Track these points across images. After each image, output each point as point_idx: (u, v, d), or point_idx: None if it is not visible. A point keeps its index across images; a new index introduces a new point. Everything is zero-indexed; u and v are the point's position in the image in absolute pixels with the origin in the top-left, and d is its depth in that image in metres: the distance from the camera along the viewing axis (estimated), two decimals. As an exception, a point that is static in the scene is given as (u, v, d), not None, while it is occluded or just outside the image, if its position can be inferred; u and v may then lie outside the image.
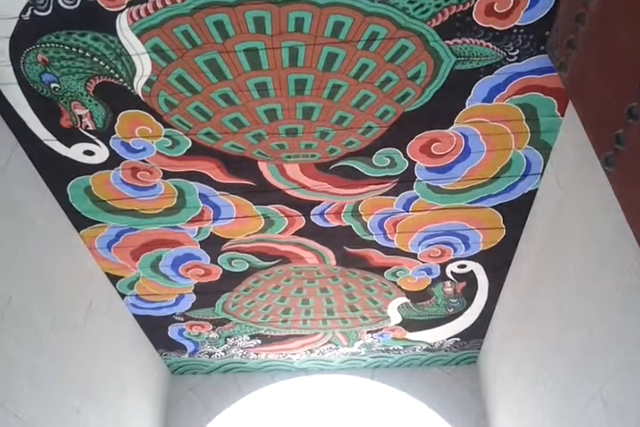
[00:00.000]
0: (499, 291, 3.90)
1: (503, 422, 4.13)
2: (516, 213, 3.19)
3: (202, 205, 3.11)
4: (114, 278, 3.71)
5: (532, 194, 3.07)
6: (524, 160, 2.87)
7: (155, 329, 4.31)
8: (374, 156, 2.83)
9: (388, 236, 3.37)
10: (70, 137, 2.73)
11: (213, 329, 4.34)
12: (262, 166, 2.89)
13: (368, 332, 4.45)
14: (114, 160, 2.85)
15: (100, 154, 2.82)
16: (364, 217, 3.23)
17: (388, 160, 2.85)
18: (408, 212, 3.18)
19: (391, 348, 4.68)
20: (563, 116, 2.62)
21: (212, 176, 2.93)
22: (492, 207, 3.15)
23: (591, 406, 2.52)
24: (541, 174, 2.95)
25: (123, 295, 3.89)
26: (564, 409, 2.87)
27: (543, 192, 2.99)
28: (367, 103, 2.56)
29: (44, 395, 2.94)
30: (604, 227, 2.31)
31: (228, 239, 3.38)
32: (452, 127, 2.69)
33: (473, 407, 4.70)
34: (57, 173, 2.92)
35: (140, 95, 2.52)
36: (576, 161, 2.55)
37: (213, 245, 3.41)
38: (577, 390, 2.69)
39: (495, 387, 4.32)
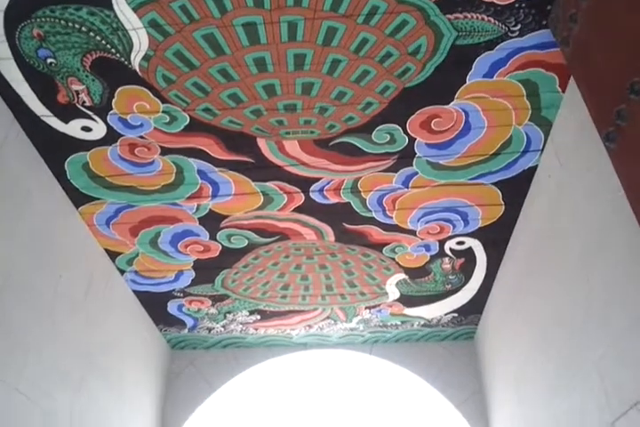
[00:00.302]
0: (497, 267, 3.92)
1: (500, 396, 4.18)
2: (515, 189, 3.18)
3: (200, 181, 3.10)
4: (113, 255, 3.72)
5: (532, 170, 3.06)
6: (525, 136, 2.86)
7: (154, 305, 4.34)
8: (374, 132, 2.81)
9: (387, 212, 3.37)
10: (67, 113, 2.71)
11: (213, 305, 4.37)
12: (261, 143, 2.87)
13: (366, 307, 4.47)
14: (111, 136, 2.83)
15: (98, 130, 2.80)
16: (363, 194, 3.22)
17: (388, 136, 2.83)
18: (407, 188, 3.17)
19: (389, 323, 4.71)
20: (564, 92, 2.60)
21: (210, 152, 2.92)
22: (492, 184, 3.15)
23: (589, 379, 2.55)
24: (541, 151, 2.93)
25: (122, 271, 3.90)
26: (561, 383, 2.91)
27: (543, 169, 2.98)
28: (367, 78, 2.53)
29: (45, 370, 2.96)
30: (603, 203, 2.31)
31: (226, 216, 3.38)
32: (452, 103, 2.66)
33: (470, 382, 4.76)
34: (54, 149, 2.91)
35: (138, 70, 2.49)
36: (577, 137, 2.54)
37: (212, 221, 3.41)
38: (574, 364, 2.71)
39: (492, 361, 4.37)
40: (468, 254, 3.78)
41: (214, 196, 3.20)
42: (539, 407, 3.25)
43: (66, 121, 2.75)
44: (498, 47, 2.41)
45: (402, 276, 4.03)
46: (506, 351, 3.97)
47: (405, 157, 2.96)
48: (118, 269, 3.86)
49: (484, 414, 4.57)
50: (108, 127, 2.78)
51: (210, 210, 3.31)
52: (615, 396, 2.31)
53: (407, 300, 4.34)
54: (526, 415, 3.50)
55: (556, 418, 2.98)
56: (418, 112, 2.71)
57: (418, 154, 2.94)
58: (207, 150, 2.90)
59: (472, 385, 4.74)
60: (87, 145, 2.89)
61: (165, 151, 2.92)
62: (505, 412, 4.04)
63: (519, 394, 3.64)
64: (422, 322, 4.69)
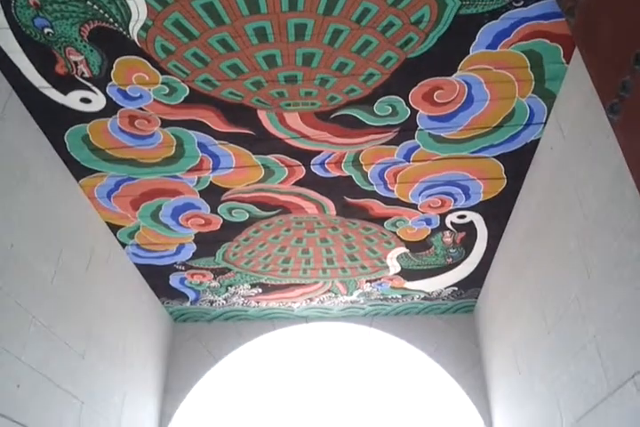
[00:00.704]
0: (498, 241, 3.92)
1: (499, 368, 4.23)
2: (517, 163, 3.16)
3: (201, 154, 3.08)
4: (114, 228, 3.72)
5: (535, 144, 3.04)
6: (528, 109, 2.83)
7: (156, 278, 4.36)
8: (376, 104, 2.78)
9: (389, 186, 3.36)
10: (66, 84, 2.68)
11: (214, 278, 4.39)
12: (261, 115, 2.84)
13: (367, 281, 4.50)
14: (111, 108, 2.80)
15: (97, 101, 2.78)
16: (364, 167, 3.20)
17: (390, 108, 2.80)
18: (409, 162, 3.16)
19: (389, 296, 4.74)
20: (568, 63, 2.56)
21: (210, 125, 2.90)
22: (494, 157, 3.13)
23: (587, 351, 2.57)
24: (544, 124, 2.91)
25: (124, 245, 3.91)
26: (559, 355, 2.93)
27: (546, 142, 2.96)
28: (369, 49, 2.49)
29: (48, 341, 2.99)
30: (605, 177, 2.30)
31: (227, 189, 3.37)
32: (455, 74, 2.63)
33: (468, 354, 4.81)
34: (54, 121, 2.88)
35: (136, 41, 2.46)
36: (580, 110, 2.52)
37: (213, 194, 3.41)
38: (573, 336, 2.73)
39: (491, 334, 4.41)
40: (469, 228, 3.78)
41: (215, 169, 3.19)
42: (537, 379, 3.29)
43: (65, 92, 2.72)
44: (502, 17, 2.37)
45: (403, 249, 4.03)
46: (505, 324, 4.00)
47: (407, 129, 2.93)
48: (120, 242, 3.87)
49: (482, 386, 4.63)
50: (108, 99, 2.76)
51: (210, 183, 3.30)
52: (613, 368, 2.33)
53: (408, 273, 4.36)
54: (525, 387, 3.55)
55: (554, 389, 3.01)
56: (420, 84, 2.68)
57: (420, 126, 2.92)
58: (207, 122, 2.88)
59: (471, 358, 4.78)
60: (87, 117, 2.86)
61: (165, 123, 2.90)
62: (503, 383, 4.09)
63: (518, 366, 3.68)
64: (422, 295, 4.72)
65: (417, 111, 2.83)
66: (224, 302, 4.79)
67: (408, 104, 2.78)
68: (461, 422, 5.10)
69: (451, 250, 4.04)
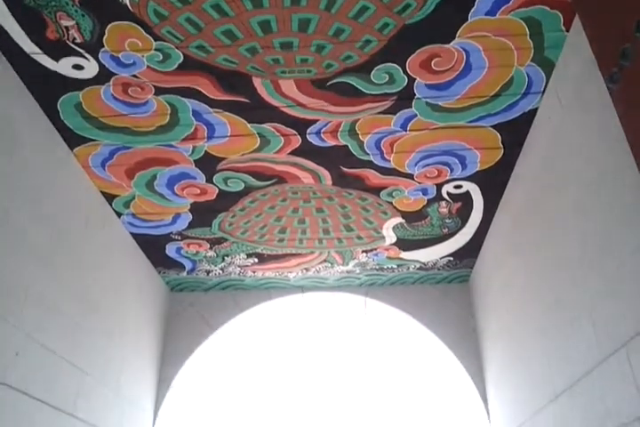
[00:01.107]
0: (494, 211, 3.92)
1: (493, 337, 4.28)
2: (515, 132, 3.14)
3: (195, 122, 3.05)
4: (109, 197, 3.71)
5: (533, 113, 3.01)
6: (526, 78, 2.79)
7: (152, 247, 4.37)
8: (373, 72, 2.74)
9: (385, 156, 3.34)
10: (57, 50, 2.63)
11: (210, 248, 4.39)
12: (257, 82, 2.80)
13: (363, 251, 4.51)
14: (104, 75, 2.76)
15: (90, 68, 2.73)
16: (360, 136, 3.18)
17: (387, 76, 2.77)
18: (406, 131, 3.13)
19: (385, 267, 4.76)
20: (568, 31, 2.52)
21: (205, 92, 2.86)
22: (491, 127, 3.10)
23: (581, 319, 2.59)
24: (543, 93, 2.88)
25: (119, 214, 3.90)
26: (552, 323, 2.96)
27: (544, 111, 2.94)
28: (366, 15, 2.44)
29: (45, 310, 3.00)
30: (603, 147, 2.28)
31: (222, 158, 3.34)
32: (453, 42, 2.59)
33: (463, 323, 4.85)
34: (46, 88, 2.84)
35: (129, 5, 2.40)
36: (579, 79, 2.49)
37: (208, 164, 3.38)
38: (567, 305, 2.76)
39: (486, 303, 4.44)
40: (465, 198, 3.77)
41: (210, 137, 3.16)
42: (531, 347, 3.32)
43: (56, 59, 2.67)
44: (502, -18, 2.32)
45: (399, 220, 4.03)
46: (500, 293, 4.03)
47: (404, 98, 2.90)
48: (115, 211, 3.86)
49: (477, 354, 4.68)
50: (100, 66, 2.71)
51: (205, 152, 3.28)
52: (606, 335, 2.35)
53: (403, 244, 4.37)
54: (518, 355, 3.59)
55: (547, 357, 3.05)
56: (418, 51, 2.64)
57: (417, 95, 2.88)
58: (202, 90, 2.84)
59: (466, 327, 4.83)
60: (79, 84, 2.82)
61: (159, 91, 2.86)
62: (497, 352, 4.14)
63: (512, 334, 3.72)
64: (418, 265, 4.74)
65: (414, 79, 2.79)
66: (220, 271, 4.80)
67: (405, 72, 2.74)
68: (455, 391, 5.18)
69: (446, 220, 4.04)
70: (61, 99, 2.90)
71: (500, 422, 4.12)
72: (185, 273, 4.82)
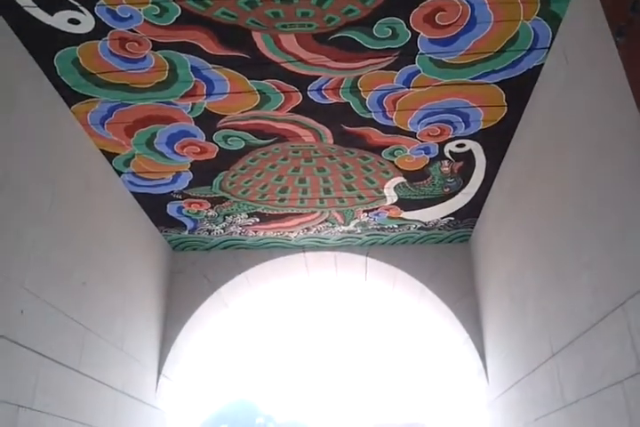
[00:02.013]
0: (496, 171, 3.90)
1: (492, 296, 4.31)
2: (519, 89, 3.09)
3: (194, 78, 3.00)
4: (109, 156, 3.68)
5: (538, 70, 2.95)
6: (532, 33, 2.73)
7: (153, 206, 4.36)
8: (375, 26, 2.67)
9: (388, 113, 3.29)
10: (52, 3, 2.56)
11: (212, 207, 4.39)
12: (256, 37, 2.74)
13: (364, 211, 4.50)
14: (100, 29, 2.70)
15: (86, 22, 2.67)
16: (362, 93, 3.13)
17: (390, 31, 2.70)
18: (409, 88, 3.08)
19: (386, 226, 4.77)
20: (576, -18, 2.45)
21: (203, 47, 2.80)
22: (495, 83, 3.05)
23: (580, 279, 2.60)
24: (548, 49, 2.82)
25: (119, 173, 3.88)
26: (552, 282, 2.98)
27: (549, 67, 2.88)
28: (368, -34, 2.37)
29: (49, 269, 3.02)
30: (609, 104, 2.25)
31: (222, 116, 3.30)
32: (458, -6, 2.52)
33: (463, 283, 4.89)
34: (42, 43, 2.78)
35: (124, -45, 2.33)
36: (586, 34, 2.43)
37: (208, 121, 3.34)
38: (567, 265, 2.77)
39: (486, 263, 4.46)
40: (468, 157, 3.74)
41: (209, 94, 3.11)
42: (529, 306, 3.35)
43: (51, 12, 2.61)
44: None
45: (400, 179, 4.02)
46: (500, 253, 4.04)
47: (407, 53, 2.84)
48: (115, 170, 3.84)
49: (476, 313, 4.74)
50: (97, 19, 2.65)
51: (205, 109, 3.24)
52: (603, 295, 2.36)
53: (405, 203, 4.36)
54: (517, 314, 3.63)
55: (545, 316, 3.08)
56: (421, 4, 2.57)
57: (420, 50, 2.82)
58: (200, 45, 2.78)
59: (465, 286, 4.87)
60: (76, 39, 2.76)
61: (157, 46, 2.80)
62: (497, 310, 4.18)
63: (511, 293, 3.75)
64: (419, 225, 4.74)
65: (418, 34, 2.73)
66: (222, 231, 4.82)
67: (409, 26, 2.68)
68: (454, 349, 5.26)
69: (448, 180, 4.02)
70: (58, 54, 2.85)
71: (497, 380, 4.19)
72: (186, 232, 4.83)
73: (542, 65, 2.92)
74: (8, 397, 2.61)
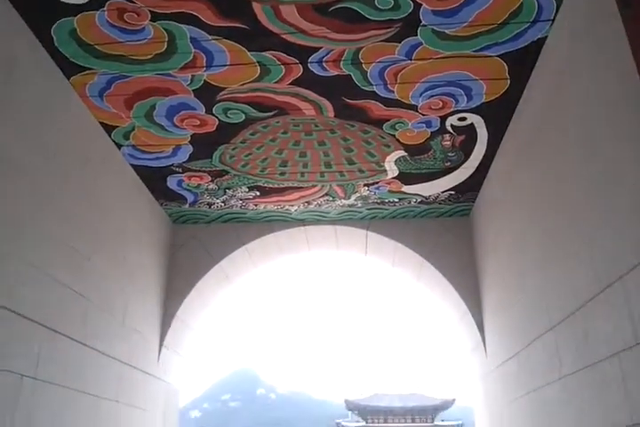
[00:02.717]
0: (497, 145, 3.88)
1: (492, 268, 4.33)
2: (522, 62, 3.05)
3: (193, 50, 2.96)
4: (109, 128, 3.66)
5: (541, 42, 2.91)
6: (536, 4, 2.68)
7: (154, 180, 4.36)
8: (377, -4, 2.63)
9: (389, 86, 3.26)
10: (48, -28, 2.52)
11: (212, 180, 4.39)
12: (256, 7, 2.69)
13: (365, 185, 4.50)
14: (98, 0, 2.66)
15: (83, -8, 2.63)
16: (364, 65, 3.09)
17: (392, 1, 2.66)
18: (411, 60, 3.04)
19: (387, 200, 4.77)
20: (583, -48, 2.40)
21: (202, 18, 2.75)
22: (498, 56, 3.01)
23: (580, 252, 2.61)
24: (552, 21, 2.77)
25: (119, 146, 3.87)
26: (552, 255, 2.99)
27: (553, 40, 2.84)
28: None
29: (50, 242, 3.03)
30: (613, 78, 2.22)
31: (222, 88, 3.27)
32: (462, -36, 2.47)
33: (463, 256, 4.91)
34: (39, 14, 2.75)
35: None
36: (591, 6, 2.39)
37: (208, 94, 3.31)
38: (568, 237, 2.77)
39: (486, 236, 4.47)
40: (469, 131, 3.72)
41: (209, 66, 3.08)
42: (529, 278, 3.37)
43: (48, -18, 2.57)
44: None
45: (401, 153, 4.00)
46: (501, 226, 4.05)
47: (410, 25, 2.80)
48: (115, 143, 3.82)
49: (475, 287, 4.76)
50: (94, -12, 2.61)
51: (205, 81, 3.20)
52: (602, 269, 2.37)
53: (405, 177, 4.35)
54: (516, 287, 3.65)
55: (544, 289, 3.10)
56: (424, -26, 2.52)
57: (423, 22, 2.78)
58: (199, 15, 2.74)
59: (465, 260, 4.89)
60: (73, 10, 2.72)
61: (156, 17, 2.76)
62: (496, 284, 4.21)
63: (510, 267, 3.77)
64: (420, 199, 4.74)
65: (420, 5, 2.68)
66: (222, 204, 4.82)
67: (411, -3, 2.64)
68: (453, 322, 5.31)
69: (450, 153, 4.00)
70: (55, 25, 2.81)
71: (495, 352, 4.24)
72: (187, 205, 4.83)
73: (546, 37, 2.88)
74: (12, 366, 2.65)
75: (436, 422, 51.59)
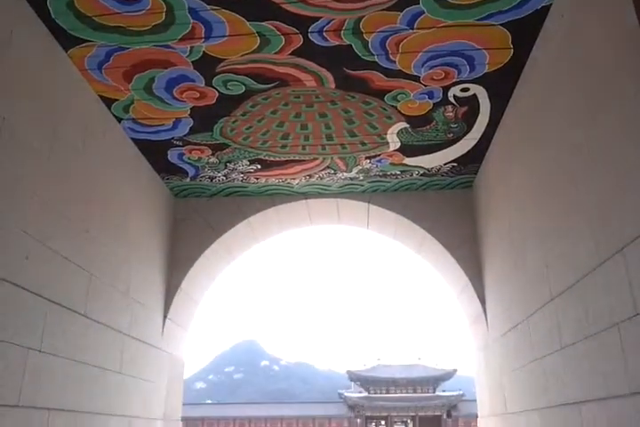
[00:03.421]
0: (500, 116, 3.84)
1: (493, 241, 4.34)
2: (525, 31, 3.00)
3: (192, 20, 2.91)
4: (108, 101, 3.63)
5: (545, 10, 2.86)
6: (541, -30, 2.63)
7: (154, 153, 4.34)
8: (378, -37, 2.58)
9: (391, 56, 3.22)
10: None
11: (213, 154, 4.37)
12: (255, -24, 2.65)
13: (366, 157, 4.47)
14: (93, -32, 2.61)
15: (78, -39, 2.57)
16: (365, 35, 3.05)
17: (393, -31, 2.61)
18: (412, 29, 2.99)
19: (389, 173, 4.75)
20: None
21: (201, -13, 2.71)
22: (501, 25, 2.96)
23: (581, 225, 2.60)
24: (557, -13, 2.72)
25: (119, 119, 3.84)
26: (554, 228, 2.99)
27: (557, 8, 2.79)
28: None
29: (51, 215, 3.03)
30: (617, 45, 2.18)
31: (222, 59, 3.23)
32: None
33: (465, 228, 4.90)
34: (34, -16, 2.70)
35: None
36: (598, -30, 2.34)
37: (207, 65, 3.28)
38: (569, 211, 2.76)
39: (488, 209, 4.47)
40: (472, 102, 3.68)
41: (208, 37, 3.03)
42: (530, 251, 3.37)
43: (41, -50, 2.52)
44: None
45: (403, 124, 3.97)
46: (502, 199, 4.03)
47: (411, -7, 2.75)
48: (115, 116, 3.79)
49: (477, 259, 4.77)
50: (89, -42, 2.55)
51: (204, 53, 3.16)
52: (603, 241, 2.37)
53: (407, 149, 4.33)
54: (517, 259, 3.65)
55: (545, 261, 3.10)
56: (427, -60, 2.47)
57: (424, -10, 2.73)
58: (198, -15, 2.69)
59: (467, 232, 4.89)
60: (69, -21, 2.68)
61: (153, -14, 2.71)
62: (497, 256, 4.22)
63: (512, 239, 3.77)
64: (422, 172, 4.72)
65: (422, -28, 2.63)
66: (224, 178, 4.81)
67: (413, -36, 2.58)
68: (455, 294, 5.34)
69: (452, 125, 3.97)
70: (51, -5, 2.77)
71: (496, 324, 4.27)
72: (188, 179, 4.82)
73: (550, 5, 2.83)
74: (17, 340, 2.68)
75: (437, 393, 52.34)
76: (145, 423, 4.23)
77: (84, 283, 3.37)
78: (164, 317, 4.78)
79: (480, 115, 3.84)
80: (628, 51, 2.09)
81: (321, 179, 4.87)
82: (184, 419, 5.52)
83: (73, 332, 3.21)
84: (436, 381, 52.79)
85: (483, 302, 4.63)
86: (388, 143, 4.23)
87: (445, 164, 4.57)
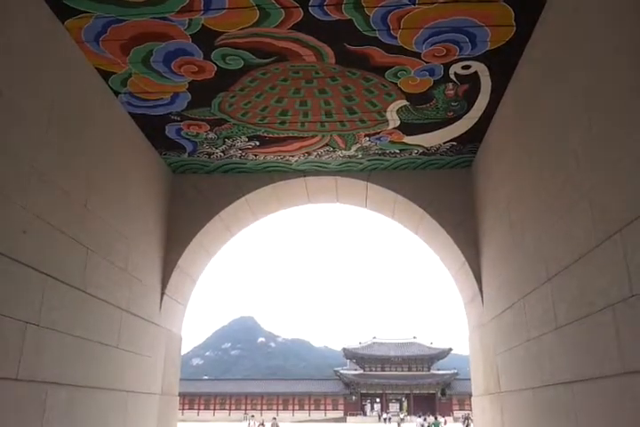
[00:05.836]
0: (501, 95, 3.80)
1: (491, 221, 4.33)
2: (529, 8, 2.96)
3: (191, -8, 2.86)
4: (106, 75, 3.59)
5: (551, -14, 2.81)
6: (547, -56, 2.58)
7: (152, 128, 4.30)
8: None
9: (392, 32, 3.17)
10: None
11: (211, 129, 4.33)
12: (255, -54, 2.59)
13: (366, 135, 4.44)
14: (90, -64, 2.55)
15: None
16: (366, 10, 3.00)
17: (396, -59, 2.55)
18: (414, 4, 2.94)
19: (388, 151, 4.72)
20: None
21: (200, -42, 2.65)
22: (505, 1, 2.91)
23: (579, 205, 2.60)
24: (564, -38, 2.67)
25: (117, 93, 3.80)
26: (551, 208, 2.98)
27: (562, -16, 2.74)
28: None
29: (49, 190, 3.02)
30: (624, 26, 2.15)
31: (221, 33, 3.18)
32: None
33: (463, 208, 4.89)
34: (29, -49, 2.64)
35: None
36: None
37: (206, 38, 3.23)
38: (567, 191, 2.75)
39: (486, 188, 4.45)
40: (473, 80, 3.64)
41: (207, 9, 2.98)
42: (527, 231, 3.37)
43: None
44: None
45: (403, 102, 3.93)
46: (501, 179, 4.01)
47: (414, -34, 2.70)
48: (112, 90, 3.75)
49: (474, 238, 4.77)
50: None
51: (202, 26, 3.11)
52: (601, 222, 2.37)
53: (407, 127, 4.29)
54: (514, 239, 3.65)
55: (542, 241, 3.10)
56: None
57: (428, -37, 2.68)
58: (196, -45, 2.64)
59: (465, 211, 4.88)
60: (64, -53, 2.62)
61: (151, -44, 2.65)
62: (495, 235, 4.21)
63: (510, 219, 3.76)
64: (421, 150, 4.69)
65: (426, -55, 2.58)
66: (222, 154, 4.77)
67: (416, -64, 2.53)
68: (451, 273, 5.35)
69: (452, 103, 3.93)
70: (46, -36, 2.71)
71: (491, 303, 4.29)
72: (186, 155, 4.79)
73: (555, -19, 2.78)
74: (16, 314, 2.68)
75: (432, 371, 52.90)
76: (143, 398, 4.27)
77: (81, 257, 3.36)
78: (162, 293, 4.79)
79: (481, 93, 3.80)
80: (631, 31, 2.05)
81: (320, 156, 4.84)
82: (181, 395, 5.57)
83: (71, 307, 3.22)
84: (430, 359, 53.33)
85: (479, 281, 4.64)
86: (387, 121, 4.19)
87: (445, 143, 4.53)
